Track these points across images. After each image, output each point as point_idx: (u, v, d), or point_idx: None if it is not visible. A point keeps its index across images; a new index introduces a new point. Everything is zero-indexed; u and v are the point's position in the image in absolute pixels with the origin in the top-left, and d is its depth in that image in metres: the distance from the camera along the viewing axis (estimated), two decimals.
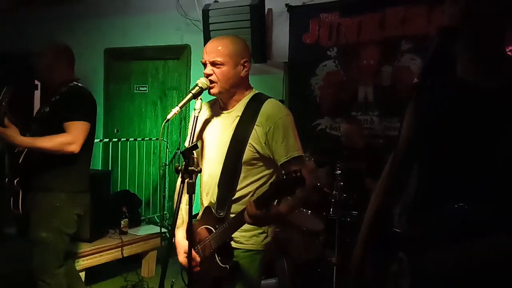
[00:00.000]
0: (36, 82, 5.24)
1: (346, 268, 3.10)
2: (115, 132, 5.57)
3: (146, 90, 5.47)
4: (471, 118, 1.25)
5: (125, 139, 4.91)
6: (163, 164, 4.99)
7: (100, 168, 5.08)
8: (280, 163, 1.86)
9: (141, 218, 4.51)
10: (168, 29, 5.17)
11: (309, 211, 3.32)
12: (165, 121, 1.78)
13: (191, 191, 1.69)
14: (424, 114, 1.33)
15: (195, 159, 1.74)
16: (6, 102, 2.37)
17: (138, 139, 5.05)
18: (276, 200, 1.61)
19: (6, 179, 2.56)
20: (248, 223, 1.69)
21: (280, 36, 4.56)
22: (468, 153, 1.25)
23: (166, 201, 5.07)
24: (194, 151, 1.75)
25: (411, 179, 1.40)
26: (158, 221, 5.00)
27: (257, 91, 2.03)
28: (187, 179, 1.70)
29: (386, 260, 1.44)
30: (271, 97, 1.99)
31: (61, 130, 2.50)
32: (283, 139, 1.86)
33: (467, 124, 1.25)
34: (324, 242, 3.32)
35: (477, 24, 1.23)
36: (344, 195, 3.10)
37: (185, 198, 2.07)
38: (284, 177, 1.54)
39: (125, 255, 3.72)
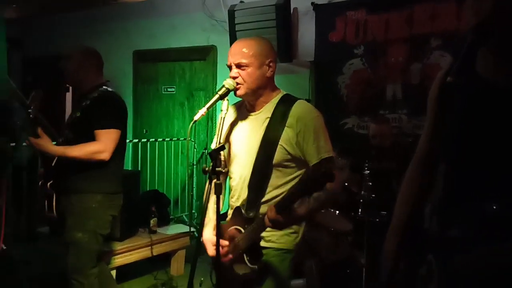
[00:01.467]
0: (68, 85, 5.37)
1: (375, 269, 3.06)
2: (144, 132, 5.66)
3: (173, 91, 5.54)
4: (499, 116, 1.21)
5: (153, 139, 4.98)
6: (191, 164, 5.04)
7: (129, 168, 5.17)
8: (312, 164, 1.85)
9: (170, 217, 4.56)
10: (194, 30, 5.22)
11: (337, 211, 3.29)
12: (192, 122, 1.79)
13: (218, 192, 1.70)
14: (451, 112, 1.30)
15: (222, 160, 1.75)
16: (36, 105, 2.42)
17: (166, 139, 5.12)
18: (296, 201, 1.62)
19: (40, 182, 2.63)
20: (269, 226, 1.72)
21: (306, 34, 4.54)
22: (498, 152, 1.22)
23: (194, 200, 5.12)
24: (221, 152, 1.76)
25: (439, 179, 1.37)
26: (186, 220, 5.06)
27: (285, 92, 2.03)
28: (214, 180, 1.71)
29: (415, 262, 1.42)
30: (300, 98, 1.99)
31: (91, 135, 2.55)
32: (314, 140, 1.86)
33: (497, 123, 1.22)
34: (353, 243, 3.28)
35: (503, 21, 1.19)
36: (373, 195, 3.05)
37: (212, 198, 2.10)
38: (307, 176, 1.55)
39: (154, 253, 3.78)
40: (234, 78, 1.89)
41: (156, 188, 4.95)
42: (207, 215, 2.10)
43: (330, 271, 3.22)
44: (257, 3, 4.36)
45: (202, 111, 1.79)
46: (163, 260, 4.05)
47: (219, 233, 1.75)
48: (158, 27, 5.47)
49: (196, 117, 1.78)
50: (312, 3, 4.46)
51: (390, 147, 3.76)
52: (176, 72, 5.53)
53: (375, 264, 3.07)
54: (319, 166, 1.79)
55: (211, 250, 2.01)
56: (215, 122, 4.98)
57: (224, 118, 1.85)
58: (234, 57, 1.88)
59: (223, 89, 1.86)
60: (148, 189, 4.84)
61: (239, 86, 1.89)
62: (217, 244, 1.74)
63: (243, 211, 1.92)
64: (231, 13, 4.43)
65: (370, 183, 2.99)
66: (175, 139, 5.22)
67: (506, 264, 1.18)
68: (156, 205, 3.97)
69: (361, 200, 3.06)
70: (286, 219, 1.67)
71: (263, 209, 1.89)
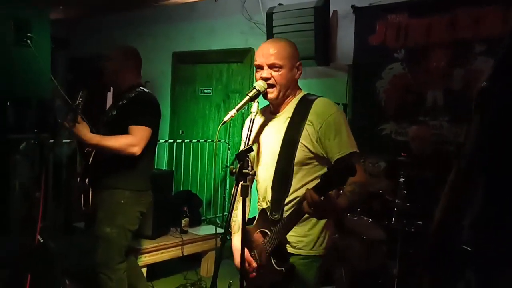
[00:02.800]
0: None
1: (408, 280, 2.96)
2: (180, 133, 5.72)
3: (210, 93, 5.58)
4: None
5: (188, 140, 5.03)
6: (224, 165, 5.05)
7: (165, 168, 5.24)
8: (334, 160, 1.81)
9: (202, 218, 4.58)
10: (232, 32, 5.24)
11: (370, 219, 3.21)
12: (221, 124, 1.79)
13: (245, 194, 1.68)
14: (493, 121, 1.23)
15: (249, 162, 1.73)
16: (81, 103, 2.49)
17: (201, 140, 5.16)
18: (331, 189, 1.57)
19: (78, 179, 2.70)
20: (307, 213, 1.62)
21: (345, 38, 4.47)
22: None
23: (226, 202, 5.13)
24: (249, 154, 1.74)
25: (479, 192, 1.30)
26: (218, 221, 5.08)
27: (305, 92, 2.00)
28: (241, 182, 1.69)
29: (453, 279, 1.35)
30: (321, 96, 1.95)
31: (125, 132, 2.60)
32: (335, 135, 1.82)
33: None
34: (386, 252, 3.19)
35: None
36: (408, 204, 2.96)
37: (239, 203, 2.09)
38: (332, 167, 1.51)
39: (185, 253, 3.81)
40: (266, 79, 1.87)
41: (190, 188, 4.99)
42: (234, 221, 2.09)
43: (361, 280, 3.14)
44: (295, 5, 4.33)
45: (232, 113, 1.79)
46: (194, 260, 4.07)
47: (244, 236, 1.73)
48: (198, 30, 5.53)
49: (225, 119, 1.78)
50: (352, 6, 4.38)
51: (430, 155, 3.64)
52: (214, 74, 5.56)
53: (407, 275, 2.98)
54: (342, 161, 1.75)
55: (238, 261, 1.98)
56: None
57: (253, 120, 1.83)
58: (268, 58, 1.87)
59: (254, 91, 1.85)
60: (182, 189, 4.89)
61: (272, 89, 1.87)
62: (242, 248, 1.72)
63: (268, 213, 1.90)
64: (269, 15, 4.42)
65: (405, 191, 2.89)
66: (210, 140, 5.25)
67: None
68: (188, 205, 4.00)
69: (395, 209, 2.96)
70: (325, 204, 1.58)
71: (287, 211, 1.86)
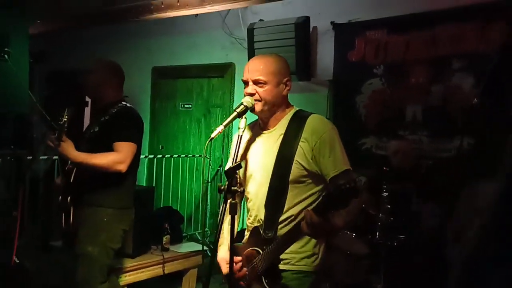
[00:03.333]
0: (87, 99, 5.42)
1: None
2: (160, 148, 5.66)
3: (190, 108, 5.55)
4: None
5: (169, 155, 4.97)
6: (206, 181, 5.00)
7: (144, 184, 5.16)
8: (329, 178, 1.80)
9: (183, 234, 4.51)
10: (213, 47, 5.25)
11: (354, 234, 3.21)
12: (209, 140, 1.77)
13: (234, 211, 1.66)
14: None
15: (238, 179, 1.71)
16: (67, 122, 2.46)
17: (182, 155, 5.10)
18: (332, 211, 1.55)
19: (60, 197, 2.63)
20: (305, 233, 1.61)
21: (325, 54, 4.52)
22: None
23: (207, 218, 5.07)
24: (237, 171, 1.72)
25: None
26: (199, 238, 5.01)
27: (298, 108, 2.00)
28: (230, 199, 1.66)
29: None
30: (314, 113, 1.95)
31: (109, 149, 2.55)
32: (330, 153, 1.82)
33: None
34: (368, 266, 3.19)
35: None
36: (391, 218, 2.97)
37: (227, 218, 2.06)
38: (336, 188, 1.48)
39: (166, 272, 3.71)
40: (250, 94, 1.86)
41: (170, 204, 4.92)
42: (221, 235, 2.06)
43: None
44: (276, 21, 4.38)
45: (219, 129, 1.77)
46: (175, 279, 3.98)
47: (233, 253, 1.70)
48: (179, 45, 5.52)
49: (213, 135, 1.76)
50: (332, 22, 4.44)
51: (410, 169, 3.68)
52: (194, 89, 5.54)
53: None
54: (338, 180, 1.76)
55: (225, 268, 1.97)
56: (231, 140, 4.96)
57: (241, 136, 1.82)
58: (252, 74, 1.86)
59: (241, 107, 1.84)
60: (162, 205, 4.81)
61: (256, 102, 1.86)
62: (231, 264, 1.68)
63: (261, 231, 1.87)
64: (250, 31, 4.45)
65: (389, 206, 2.91)
66: (191, 155, 5.20)
67: None
68: (169, 222, 3.92)
69: (379, 223, 2.97)
70: (324, 224, 1.57)
71: (280, 229, 1.84)
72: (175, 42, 5.56)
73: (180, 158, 5.06)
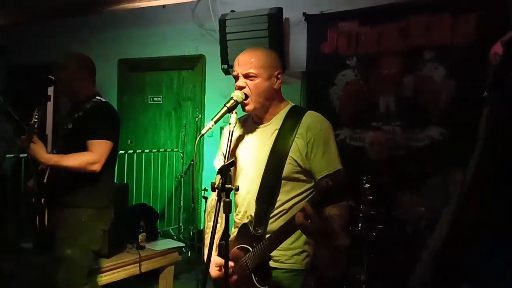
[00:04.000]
0: (49, 93, 5.20)
1: (375, 286, 3.00)
2: (129, 143, 5.50)
3: (160, 101, 5.42)
4: None
5: (140, 150, 4.84)
6: (179, 175, 4.91)
7: (115, 181, 5.00)
8: (320, 176, 1.78)
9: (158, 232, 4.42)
10: (183, 39, 5.12)
11: None
12: (199, 136, 1.71)
13: (228, 210, 1.60)
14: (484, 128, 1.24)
15: (231, 177, 1.66)
16: (37, 122, 2.34)
17: (153, 150, 4.98)
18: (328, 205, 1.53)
19: (33, 199, 2.50)
20: (301, 226, 1.54)
21: (297, 45, 4.49)
22: None
23: (181, 214, 4.98)
24: (231, 168, 1.67)
25: (477, 201, 1.30)
26: (173, 233, 4.92)
27: (293, 104, 1.96)
28: (223, 198, 1.61)
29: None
30: (310, 108, 1.92)
31: (84, 146, 2.46)
32: (324, 152, 1.79)
33: None
34: (349, 258, 3.21)
35: None
36: (372, 211, 3.00)
37: (212, 216, 2.00)
38: (331, 183, 1.46)
39: (143, 270, 3.62)
40: (240, 88, 1.81)
41: (142, 200, 4.80)
42: (208, 235, 2.02)
43: (328, 286, 3.13)
44: (249, 12, 4.31)
45: (210, 125, 1.70)
46: (151, 277, 3.89)
47: (228, 253, 1.65)
48: (147, 37, 5.35)
49: (203, 131, 1.70)
50: (304, 14, 4.41)
51: (384, 160, 3.73)
52: (164, 82, 5.41)
53: (373, 280, 3.02)
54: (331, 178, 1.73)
55: (214, 272, 1.91)
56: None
57: (232, 131, 1.76)
58: (242, 67, 1.81)
59: (231, 101, 1.78)
60: (133, 202, 4.68)
61: (247, 100, 1.81)
62: (226, 266, 1.63)
63: (250, 228, 1.83)
64: (222, 22, 4.37)
65: (371, 197, 2.93)
66: (162, 150, 5.08)
67: None
68: (145, 219, 3.82)
69: (361, 215, 2.99)
70: (320, 221, 1.51)
71: (271, 225, 1.81)
72: (143, 34, 5.39)
73: (152, 153, 4.94)
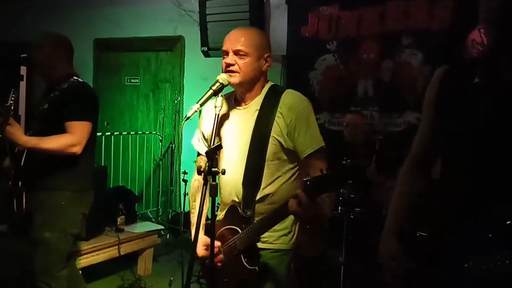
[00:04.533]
0: (22, 72, 5.05)
1: (353, 267, 3.07)
2: (105, 125, 5.40)
3: (137, 82, 5.34)
4: None
5: (118, 133, 4.77)
6: (158, 158, 4.88)
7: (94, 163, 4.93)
8: (305, 155, 1.79)
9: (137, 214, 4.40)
10: (161, 20, 5.03)
11: None
12: (185, 119, 1.69)
13: (214, 193, 1.60)
14: (467, 113, 1.27)
15: (217, 160, 1.66)
16: (13, 104, 2.28)
17: (131, 133, 4.92)
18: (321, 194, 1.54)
19: (10, 182, 2.44)
20: (294, 213, 1.58)
21: (278, 28, 4.47)
22: None
23: (159, 197, 4.96)
24: (218, 152, 1.66)
25: (446, 182, 1.35)
26: (151, 216, 4.90)
27: (272, 83, 1.96)
28: (210, 181, 1.61)
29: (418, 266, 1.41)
30: (288, 88, 1.93)
31: (60, 127, 2.39)
32: (307, 130, 1.80)
33: None
34: (329, 240, 3.27)
35: None
36: (352, 195, 3.05)
37: (198, 198, 2.01)
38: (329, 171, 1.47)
39: (122, 253, 3.61)
40: (229, 65, 1.79)
41: (120, 183, 4.75)
42: (194, 215, 2.02)
43: (307, 269, 3.18)
44: None
45: (195, 108, 1.68)
46: (130, 260, 3.88)
47: (214, 235, 1.66)
48: (123, 16, 5.23)
49: (189, 114, 1.67)
50: None
51: (362, 143, 3.78)
52: (141, 63, 5.32)
53: (353, 262, 3.09)
54: (313, 157, 1.77)
55: (201, 251, 1.92)
56: (182, 115, 4.83)
57: (218, 114, 1.75)
58: (234, 44, 1.79)
59: (217, 84, 1.76)
60: (111, 185, 4.64)
61: (234, 74, 1.79)
62: (212, 247, 1.64)
63: (239, 209, 1.83)
64: (203, 3, 4.30)
65: (350, 181, 2.97)
66: (141, 132, 5.03)
67: None
68: (123, 202, 3.79)
69: (341, 198, 3.04)
70: (315, 206, 1.53)
71: (258, 207, 1.82)
72: (119, 13, 5.27)
73: (130, 136, 4.88)
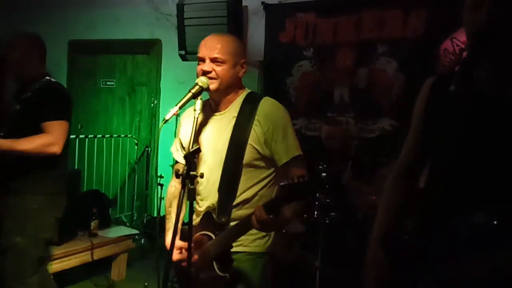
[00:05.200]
0: None
1: (329, 272, 3.09)
2: (79, 128, 5.31)
3: (113, 85, 5.27)
4: (498, 125, 1.23)
5: (92, 136, 4.69)
6: (134, 161, 4.82)
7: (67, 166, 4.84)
8: (282, 163, 1.81)
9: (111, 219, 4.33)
10: (137, 23, 4.99)
11: None
12: (163, 122, 1.67)
13: (192, 197, 1.61)
14: (444, 121, 1.30)
15: (195, 164, 1.66)
16: None
17: (106, 136, 4.85)
18: (284, 205, 1.57)
19: None
20: (256, 228, 1.64)
21: (256, 34, 4.50)
22: (494, 161, 1.24)
23: (134, 201, 4.90)
24: (196, 155, 1.66)
25: (427, 188, 1.38)
26: (125, 221, 4.83)
27: (250, 90, 1.98)
28: (188, 185, 1.60)
29: (400, 270, 1.43)
30: (266, 96, 1.94)
31: (34, 129, 2.35)
32: (283, 138, 1.82)
33: (495, 132, 1.23)
34: (305, 245, 3.29)
35: (502, 30, 1.20)
36: (327, 199, 3.08)
37: (175, 203, 2.01)
38: (299, 179, 1.49)
39: (95, 258, 3.55)
40: (206, 72, 1.80)
41: (93, 187, 4.67)
42: (169, 220, 2.01)
43: (283, 273, 3.19)
44: None
45: (174, 110, 1.68)
46: (103, 265, 3.82)
47: (191, 240, 1.65)
48: (99, 18, 5.17)
49: (167, 117, 1.67)
50: (263, 3, 4.42)
51: (339, 149, 3.83)
52: (117, 66, 5.25)
53: (328, 266, 3.11)
54: (290, 165, 1.79)
55: (174, 254, 1.91)
56: (158, 119, 4.80)
57: (197, 118, 1.75)
58: (210, 51, 1.80)
59: (196, 87, 1.76)
60: (84, 189, 4.55)
61: (212, 80, 1.80)
62: (189, 252, 1.63)
63: (214, 216, 1.83)
64: (180, 7, 4.29)
65: (327, 186, 2.99)
66: (116, 136, 4.96)
67: (500, 276, 1.20)
68: (97, 206, 3.73)
69: (317, 202, 3.07)
70: (274, 220, 1.60)
71: (234, 213, 1.83)
72: (95, 15, 5.20)
73: (105, 139, 4.81)
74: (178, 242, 1.90)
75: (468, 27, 1.25)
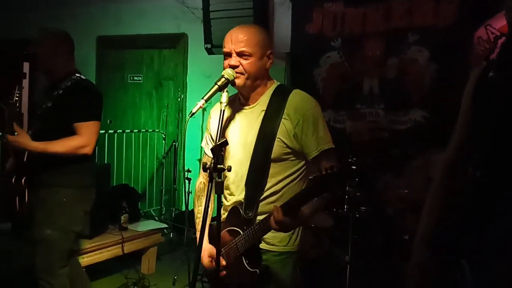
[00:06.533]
0: (25, 69, 5.03)
1: (360, 266, 3.03)
2: (108, 123, 5.38)
3: (140, 80, 5.31)
4: None
5: (121, 130, 4.74)
6: (162, 156, 4.85)
7: (96, 161, 4.92)
8: (312, 157, 1.76)
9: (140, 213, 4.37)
10: (164, 17, 5.01)
11: None
12: (190, 115, 1.65)
13: (220, 190, 1.57)
14: (489, 112, 1.23)
15: (223, 157, 1.63)
16: (18, 100, 2.26)
17: (134, 130, 4.89)
18: (304, 204, 1.54)
19: (13, 179, 2.42)
20: (274, 229, 1.62)
21: (282, 25, 4.42)
22: None
23: (163, 195, 4.93)
24: (223, 148, 1.63)
25: (474, 180, 1.30)
26: (154, 214, 4.88)
27: (279, 83, 1.93)
28: (215, 178, 1.58)
29: (448, 267, 1.36)
30: (296, 88, 1.89)
31: (65, 128, 2.38)
32: (314, 131, 1.77)
33: None
34: (333, 239, 3.24)
35: None
36: (358, 193, 3.02)
37: (202, 200, 1.99)
38: (327, 171, 1.45)
39: (125, 251, 3.59)
40: (234, 67, 1.76)
41: (122, 181, 4.73)
42: (197, 223, 1.99)
43: (311, 267, 3.15)
44: None
45: (200, 103, 1.66)
46: (133, 258, 3.86)
47: (219, 236, 1.61)
48: (126, 13, 5.21)
49: (194, 110, 1.64)
50: None
51: (367, 142, 3.75)
52: (144, 60, 5.29)
53: (359, 261, 3.06)
54: (321, 158, 1.73)
55: (206, 262, 1.90)
56: (185, 113, 4.81)
57: (223, 111, 1.71)
58: (237, 45, 1.76)
59: (222, 79, 1.73)
60: (114, 183, 4.61)
61: (238, 75, 1.76)
62: (218, 250, 1.60)
63: (241, 211, 1.80)
64: (206, 0, 4.26)
65: (357, 179, 2.93)
66: (144, 130, 5.00)
67: None
68: (127, 200, 3.77)
69: (347, 196, 3.01)
70: (292, 221, 1.58)
71: (262, 208, 1.79)
72: (122, 10, 5.25)
73: (133, 133, 4.85)
74: (210, 249, 1.88)
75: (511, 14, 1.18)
